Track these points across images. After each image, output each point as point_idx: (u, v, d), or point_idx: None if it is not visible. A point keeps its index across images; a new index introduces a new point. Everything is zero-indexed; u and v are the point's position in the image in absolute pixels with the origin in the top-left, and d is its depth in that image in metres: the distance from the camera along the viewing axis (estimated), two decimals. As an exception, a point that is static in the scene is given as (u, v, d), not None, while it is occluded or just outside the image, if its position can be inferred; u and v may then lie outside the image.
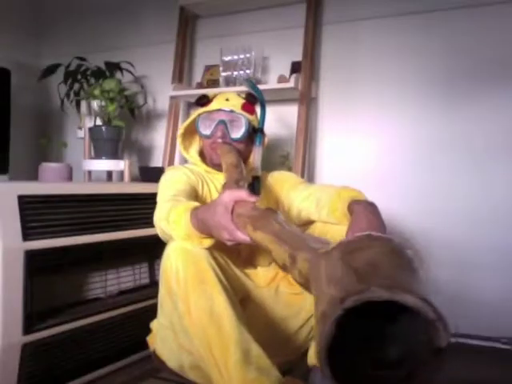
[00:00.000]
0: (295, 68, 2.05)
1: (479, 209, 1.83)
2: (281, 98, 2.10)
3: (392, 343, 0.82)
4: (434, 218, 1.90)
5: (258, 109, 1.55)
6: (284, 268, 0.94)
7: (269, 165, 1.89)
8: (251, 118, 1.51)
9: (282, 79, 2.01)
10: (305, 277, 0.87)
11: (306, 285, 0.88)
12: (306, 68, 1.97)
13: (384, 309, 0.69)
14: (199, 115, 1.51)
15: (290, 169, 1.98)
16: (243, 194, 1.07)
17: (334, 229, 1.33)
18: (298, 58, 2.02)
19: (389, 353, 0.82)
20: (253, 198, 1.07)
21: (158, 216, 1.26)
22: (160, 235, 1.29)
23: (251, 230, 1.01)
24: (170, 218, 1.19)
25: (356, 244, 0.80)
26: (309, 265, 0.85)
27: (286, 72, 2.07)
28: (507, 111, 1.80)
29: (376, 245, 0.78)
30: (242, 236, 1.04)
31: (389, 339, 0.82)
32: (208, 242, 1.19)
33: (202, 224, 1.13)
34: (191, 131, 1.58)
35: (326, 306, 0.72)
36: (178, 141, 1.58)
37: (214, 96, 1.54)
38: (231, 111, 1.48)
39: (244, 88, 1.76)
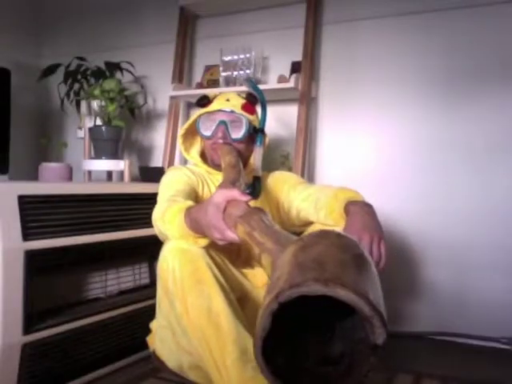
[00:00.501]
0: (295, 68, 2.05)
1: (479, 209, 1.83)
2: (281, 98, 2.10)
3: (337, 339, 0.82)
4: (433, 217, 1.90)
5: (258, 109, 1.55)
6: (259, 263, 0.95)
7: (269, 165, 1.89)
8: (252, 118, 1.51)
9: (281, 79, 2.01)
10: (270, 271, 0.88)
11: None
12: (306, 68, 1.97)
13: (339, 305, 0.69)
14: (200, 116, 1.51)
15: (290, 169, 1.98)
16: (235, 193, 1.07)
17: None
18: (298, 58, 2.02)
19: (333, 349, 0.82)
20: (245, 198, 1.07)
21: (155, 216, 1.27)
22: (157, 234, 1.29)
23: (239, 229, 1.01)
24: (166, 217, 1.20)
25: (307, 241, 0.80)
26: (270, 260, 0.86)
27: (286, 72, 2.07)
28: (507, 111, 1.80)
29: (324, 241, 0.78)
30: (231, 235, 1.04)
31: (335, 335, 0.83)
32: (203, 242, 1.19)
33: (194, 223, 1.13)
34: (192, 132, 1.58)
35: (268, 300, 0.72)
36: (179, 142, 1.58)
37: (215, 96, 1.54)
38: (232, 111, 1.48)
39: (244, 88, 1.76)
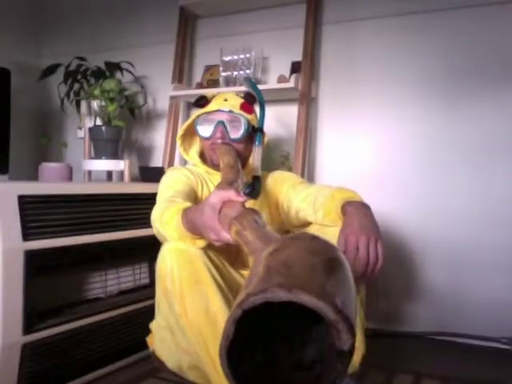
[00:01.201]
0: (295, 68, 2.05)
1: (479, 209, 1.83)
2: (281, 97, 2.10)
3: (310, 344, 0.81)
4: (433, 217, 1.90)
5: (257, 108, 1.55)
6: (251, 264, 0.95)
7: (269, 165, 1.89)
8: (250, 117, 1.51)
9: (281, 79, 2.01)
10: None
11: None
12: (306, 68, 1.97)
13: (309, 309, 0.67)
14: (198, 116, 1.51)
15: (290, 169, 1.98)
16: (231, 194, 1.07)
17: (329, 231, 1.33)
18: (298, 58, 2.02)
19: (306, 354, 0.80)
20: (241, 198, 1.07)
21: (153, 217, 1.27)
22: (156, 235, 1.29)
23: (232, 230, 1.01)
24: (163, 218, 1.20)
25: (281, 243, 0.79)
26: (253, 262, 0.86)
27: (286, 72, 2.07)
28: (507, 111, 1.80)
29: (296, 244, 0.77)
30: (226, 236, 1.04)
31: (309, 340, 0.81)
32: (201, 243, 1.19)
33: (191, 224, 1.13)
34: (191, 132, 1.58)
35: (234, 304, 0.71)
36: (178, 143, 1.58)
37: (213, 97, 1.54)
38: (230, 111, 1.48)
39: (244, 88, 1.76)
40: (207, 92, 1.73)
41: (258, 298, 0.67)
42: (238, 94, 1.56)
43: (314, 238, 0.80)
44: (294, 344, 0.82)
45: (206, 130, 1.49)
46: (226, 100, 1.50)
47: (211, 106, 1.50)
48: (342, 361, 0.68)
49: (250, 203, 1.37)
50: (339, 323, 0.65)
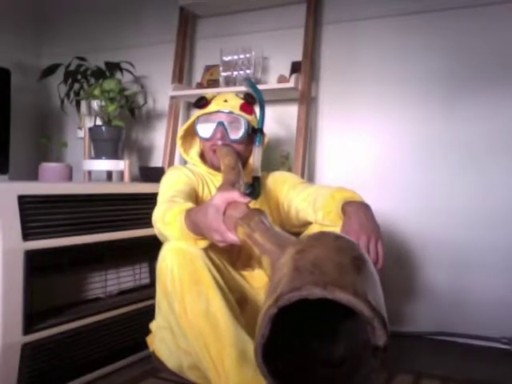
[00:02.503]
0: (295, 68, 2.05)
1: (479, 209, 1.83)
2: (281, 98, 2.10)
3: (339, 341, 0.82)
4: (433, 218, 1.89)
5: (256, 109, 1.55)
6: (259, 265, 0.96)
7: (269, 165, 1.89)
8: (250, 118, 1.51)
9: (281, 79, 2.01)
10: (269, 274, 0.88)
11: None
12: (306, 68, 1.97)
13: (338, 307, 0.69)
14: (198, 117, 1.51)
15: (289, 169, 1.98)
16: (235, 195, 1.07)
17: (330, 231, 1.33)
18: (298, 58, 2.02)
19: (336, 351, 0.82)
20: (245, 200, 1.07)
21: (155, 217, 1.27)
22: (157, 235, 1.29)
23: (239, 231, 1.01)
24: (166, 219, 1.20)
25: (305, 243, 0.80)
26: (270, 261, 0.86)
27: (286, 72, 2.07)
28: (507, 111, 1.80)
29: (322, 243, 0.78)
30: (232, 237, 1.04)
31: (337, 337, 0.83)
32: (203, 243, 1.19)
33: (194, 225, 1.13)
34: (191, 133, 1.58)
35: (268, 304, 0.72)
36: (178, 143, 1.58)
37: (213, 97, 1.54)
38: (230, 112, 1.48)
39: (244, 88, 1.76)
40: (207, 92, 1.73)
41: (293, 295, 0.68)
42: (237, 95, 1.56)
43: (338, 236, 0.82)
44: (323, 340, 0.83)
45: (206, 131, 1.49)
46: (225, 101, 1.50)
47: (211, 107, 1.50)
48: (376, 356, 0.70)
49: (250, 204, 1.37)
50: (374, 320, 0.67)
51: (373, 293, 0.70)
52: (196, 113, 1.54)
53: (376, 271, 1.16)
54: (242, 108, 1.49)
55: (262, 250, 0.92)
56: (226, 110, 1.48)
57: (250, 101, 1.53)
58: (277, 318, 0.71)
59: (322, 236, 0.82)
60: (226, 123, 1.47)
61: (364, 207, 1.26)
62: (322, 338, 0.84)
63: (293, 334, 0.83)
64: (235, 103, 1.50)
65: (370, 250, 1.18)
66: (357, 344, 0.77)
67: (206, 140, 1.50)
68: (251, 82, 1.58)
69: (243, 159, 1.52)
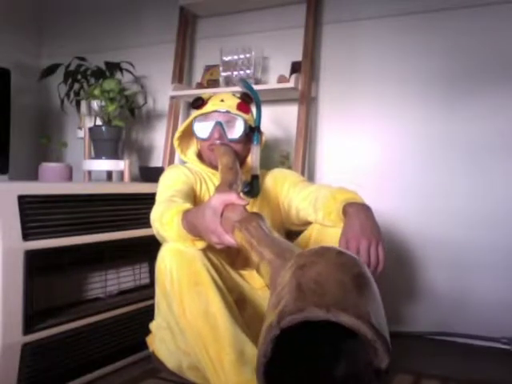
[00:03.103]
0: (295, 68, 2.05)
1: (479, 209, 1.83)
2: (281, 98, 2.10)
3: (341, 361, 0.82)
4: (433, 218, 1.89)
5: (253, 108, 1.55)
6: (257, 271, 0.95)
7: (269, 165, 1.89)
8: (247, 117, 1.51)
9: (281, 79, 2.00)
10: (268, 282, 0.88)
11: (270, 289, 0.88)
12: (306, 68, 1.97)
13: (341, 326, 0.69)
14: (195, 118, 1.51)
15: (289, 169, 1.98)
16: (233, 197, 1.07)
17: (330, 231, 1.33)
18: (298, 58, 2.02)
19: (337, 370, 0.81)
20: (242, 202, 1.07)
21: (153, 217, 1.27)
22: (155, 235, 1.29)
23: (236, 234, 1.01)
24: (163, 219, 1.20)
25: (306, 258, 0.79)
26: (271, 271, 0.86)
27: (286, 72, 2.07)
28: (507, 111, 1.80)
29: (323, 260, 0.77)
30: (229, 239, 1.04)
31: (340, 357, 0.82)
32: (201, 244, 1.19)
33: (192, 227, 1.13)
34: (188, 133, 1.58)
35: (270, 321, 0.72)
36: (175, 144, 1.58)
37: (209, 98, 1.54)
38: (227, 112, 1.48)
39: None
40: (206, 92, 1.73)
41: (296, 317, 0.68)
42: (234, 95, 1.56)
43: (340, 252, 0.81)
44: (325, 359, 0.83)
45: (203, 131, 1.49)
46: (222, 101, 1.50)
47: (208, 107, 1.50)
48: (379, 378, 0.70)
49: (250, 202, 1.37)
50: (377, 342, 0.67)
51: (375, 314, 0.69)
52: (193, 113, 1.54)
53: (375, 274, 1.16)
54: (239, 107, 1.49)
55: (261, 256, 0.92)
56: (223, 110, 1.48)
57: (247, 100, 1.53)
58: (278, 338, 0.71)
59: (323, 251, 0.81)
60: (223, 123, 1.47)
61: (365, 209, 1.26)
62: (323, 356, 0.84)
63: (294, 353, 0.83)
64: (232, 103, 1.50)
65: (370, 253, 1.18)
66: (358, 364, 0.76)
67: (204, 140, 1.50)
68: (246, 83, 1.58)
69: (241, 158, 1.52)
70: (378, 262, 1.19)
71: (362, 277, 0.75)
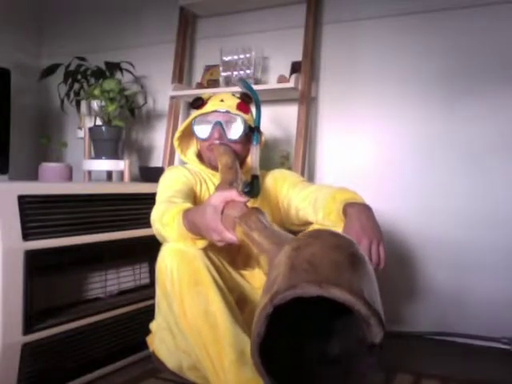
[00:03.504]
0: (295, 68, 2.05)
1: (479, 209, 1.83)
2: (281, 98, 2.10)
3: (334, 339, 0.82)
4: (433, 218, 1.89)
5: (252, 108, 1.55)
6: (258, 263, 0.95)
7: (269, 165, 1.89)
8: (247, 117, 1.51)
9: (281, 79, 2.00)
10: (265, 271, 0.88)
11: None
12: (306, 68, 1.97)
13: (335, 305, 0.69)
14: (195, 118, 1.51)
15: (289, 169, 1.97)
16: (233, 194, 1.07)
17: None
18: (298, 58, 2.02)
19: (331, 348, 0.82)
20: (243, 199, 1.07)
21: (153, 217, 1.27)
22: (156, 236, 1.29)
23: (237, 230, 1.01)
24: (164, 219, 1.20)
25: (301, 241, 0.80)
26: (268, 260, 0.87)
27: (286, 72, 2.07)
28: (507, 111, 1.80)
29: (317, 241, 0.78)
30: (230, 236, 1.04)
31: (333, 335, 0.83)
32: (202, 243, 1.19)
33: (193, 225, 1.13)
34: (187, 133, 1.58)
35: (263, 301, 0.72)
36: (175, 144, 1.58)
37: (209, 98, 1.54)
38: (227, 112, 1.48)
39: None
40: (206, 92, 1.73)
41: (288, 293, 0.69)
42: (234, 95, 1.56)
43: (334, 234, 0.82)
44: (318, 338, 0.83)
45: (203, 131, 1.49)
46: (222, 101, 1.50)
47: (208, 107, 1.50)
48: (372, 353, 0.70)
49: (250, 202, 1.37)
50: (370, 317, 0.67)
51: (369, 290, 0.70)
52: (193, 113, 1.54)
53: (376, 271, 1.17)
54: (239, 107, 1.49)
55: (260, 248, 0.92)
56: (223, 110, 1.48)
57: (247, 100, 1.53)
58: (272, 317, 0.71)
59: (318, 234, 0.82)
60: (223, 123, 1.47)
61: (365, 209, 1.26)
62: (316, 335, 0.84)
63: (288, 332, 0.83)
64: (232, 103, 1.50)
65: (372, 252, 1.18)
66: (352, 341, 0.77)
67: (204, 140, 1.50)
68: (246, 83, 1.58)
69: (241, 158, 1.52)
70: (379, 261, 1.19)
71: (356, 256, 0.76)
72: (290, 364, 0.80)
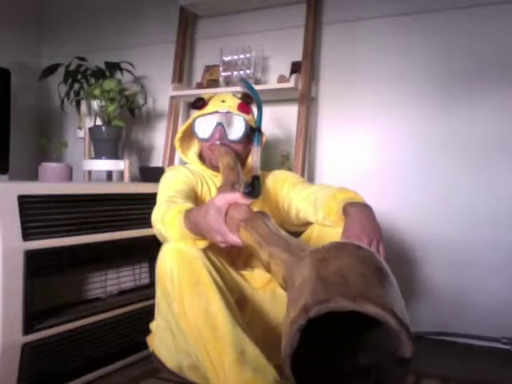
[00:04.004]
0: (295, 68, 2.05)
1: (479, 209, 1.83)
2: (281, 98, 2.10)
3: (363, 351, 0.83)
4: (433, 218, 1.89)
5: (254, 108, 1.55)
6: (267, 269, 0.95)
7: (269, 165, 1.89)
8: (248, 117, 1.50)
9: (281, 79, 2.00)
10: (281, 280, 0.88)
11: (284, 287, 0.89)
12: (306, 68, 1.97)
13: (362, 317, 0.70)
14: (195, 119, 1.51)
15: (289, 169, 1.98)
16: (237, 196, 1.07)
17: (330, 232, 1.33)
18: (298, 58, 2.02)
19: (360, 360, 0.82)
20: (246, 201, 1.07)
21: (154, 217, 1.27)
22: (156, 235, 1.29)
23: (242, 233, 1.01)
24: (165, 220, 1.20)
25: (326, 253, 0.81)
26: (285, 269, 0.87)
27: (286, 72, 2.07)
28: (507, 111, 1.80)
29: (344, 254, 0.79)
30: (233, 238, 1.04)
31: (361, 347, 0.83)
32: (202, 244, 1.19)
33: (194, 226, 1.13)
34: (188, 134, 1.58)
35: (294, 314, 0.73)
36: (176, 145, 1.58)
37: (210, 98, 1.54)
38: (228, 112, 1.48)
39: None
40: (207, 92, 1.73)
41: (323, 307, 0.69)
42: (235, 95, 1.56)
43: (358, 247, 0.82)
44: (348, 350, 0.84)
45: (204, 132, 1.49)
46: (223, 101, 1.50)
47: (209, 108, 1.50)
48: (403, 367, 0.71)
49: (251, 203, 1.37)
50: (401, 332, 0.68)
51: (398, 305, 0.71)
52: (194, 114, 1.54)
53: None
54: (240, 108, 1.49)
55: (271, 254, 0.92)
56: (224, 110, 1.48)
57: (248, 100, 1.53)
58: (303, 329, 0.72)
59: (342, 246, 0.82)
60: (224, 123, 1.46)
61: (365, 208, 1.26)
62: (346, 347, 0.85)
63: (317, 344, 0.83)
64: (233, 103, 1.50)
65: None
66: (381, 354, 0.77)
67: (205, 141, 1.50)
68: (246, 82, 1.58)
69: (242, 159, 1.52)
70: None
71: (382, 270, 0.77)
72: (320, 376, 0.81)
